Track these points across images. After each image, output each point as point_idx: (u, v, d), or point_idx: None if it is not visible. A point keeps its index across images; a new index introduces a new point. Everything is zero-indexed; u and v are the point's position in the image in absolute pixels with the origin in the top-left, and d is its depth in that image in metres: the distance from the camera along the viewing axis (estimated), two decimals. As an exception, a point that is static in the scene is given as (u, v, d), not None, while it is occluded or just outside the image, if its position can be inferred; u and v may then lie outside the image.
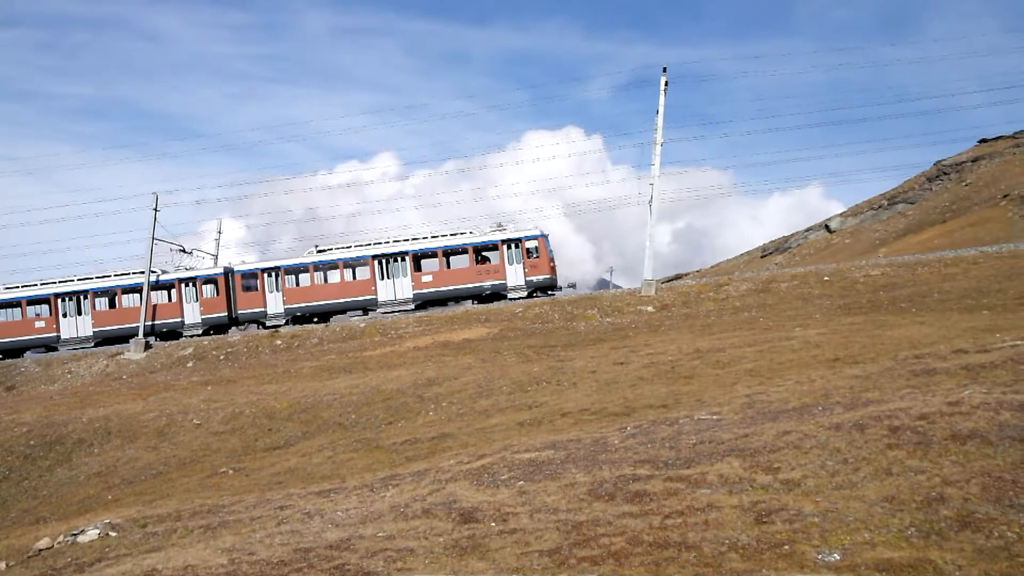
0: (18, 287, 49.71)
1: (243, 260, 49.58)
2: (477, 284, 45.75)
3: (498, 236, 46.12)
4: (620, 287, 46.33)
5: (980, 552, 6.41)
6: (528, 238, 45.75)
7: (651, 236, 43.23)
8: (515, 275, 45.41)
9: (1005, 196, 62.81)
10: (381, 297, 46.28)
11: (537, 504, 9.21)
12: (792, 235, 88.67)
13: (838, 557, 6.63)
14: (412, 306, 45.92)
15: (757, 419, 11.82)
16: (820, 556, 6.68)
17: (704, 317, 32.87)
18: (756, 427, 11.09)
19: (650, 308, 36.95)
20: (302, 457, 19.02)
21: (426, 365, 27.76)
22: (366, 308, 46.64)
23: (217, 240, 58.64)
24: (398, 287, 46.30)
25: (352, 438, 20.27)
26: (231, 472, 18.72)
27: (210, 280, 48.03)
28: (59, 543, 11.37)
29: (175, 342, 44.87)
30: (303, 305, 46.79)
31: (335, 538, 9.01)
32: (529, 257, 45.48)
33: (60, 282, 49.46)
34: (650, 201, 43.53)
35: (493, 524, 8.73)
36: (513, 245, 45.61)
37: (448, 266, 46.96)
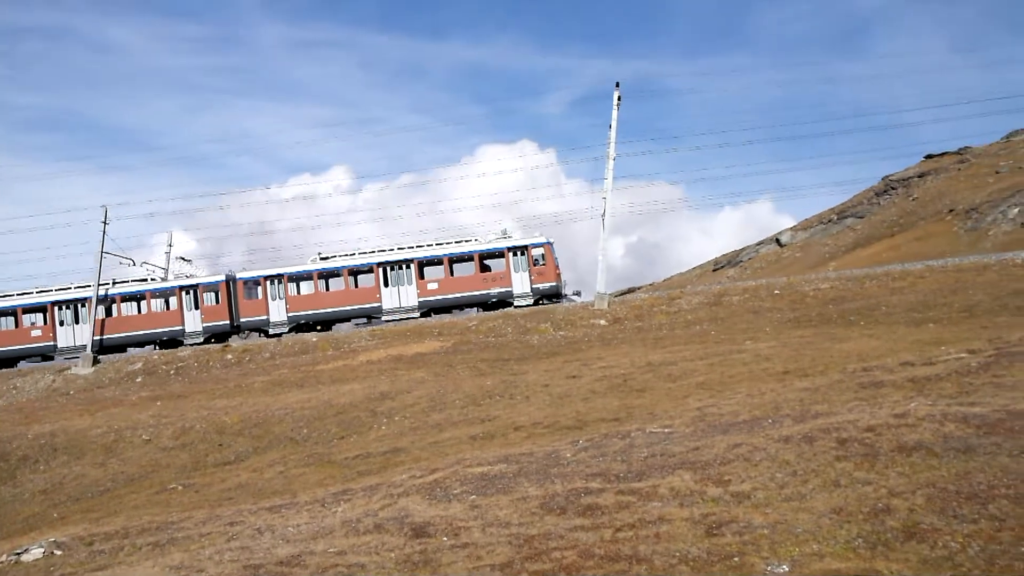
0: (13, 295, 48.87)
1: (244, 268, 49.30)
2: (483, 292, 45.69)
3: (504, 243, 46.08)
4: (575, 300, 46.56)
5: (925, 562, 6.50)
6: (534, 245, 45.66)
7: (604, 250, 43.47)
8: (521, 282, 45.36)
9: (950, 211, 64.00)
10: (386, 305, 46.06)
11: (489, 518, 9.19)
12: (744, 249, 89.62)
13: (787, 568, 6.68)
14: (417, 314, 45.74)
15: (708, 432, 11.91)
16: (769, 568, 6.73)
17: (656, 330, 33.07)
18: (707, 440, 11.17)
19: (603, 321, 37.11)
20: (253, 472, 18.83)
21: (379, 379, 27.63)
22: (370, 316, 46.45)
23: (168, 253, 57.87)
24: (403, 295, 46.08)
25: (304, 453, 20.11)
26: (180, 488, 18.47)
27: (211, 287, 47.62)
28: (2, 562, 11.14)
29: (124, 357, 44.24)
30: (307, 313, 46.45)
31: (285, 554, 8.92)
32: (535, 264, 45.43)
33: (57, 290, 48.70)
34: (603, 215, 43.81)
35: (445, 539, 8.69)
36: (519, 252, 45.59)
37: (453, 274, 46.89)
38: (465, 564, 7.75)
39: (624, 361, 24.24)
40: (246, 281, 47.25)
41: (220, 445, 22.94)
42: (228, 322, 47.17)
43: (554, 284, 45.66)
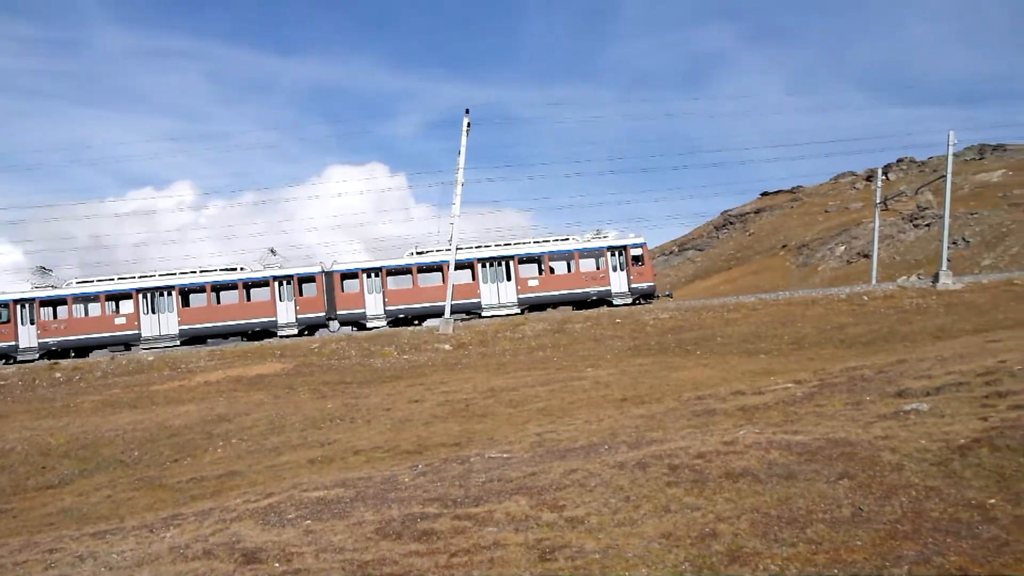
0: (93, 281, 46.38)
1: (335, 260, 47.84)
2: (583, 290, 45.65)
3: (603, 242, 46.06)
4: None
5: (746, 585, 6.73)
6: (633, 245, 45.88)
7: (452, 275, 43.64)
8: (619, 282, 45.44)
9: (783, 247, 67.06)
10: (485, 301, 45.66)
11: (323, 543, 9.04)
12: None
13: (616, 593, 6.81)
14: (517, 310, 45.26)
15: (546, 457, 12.03)
16: (599, 592, 6.84)
17: (500, 356, 33.34)
18: (544, 465, 11.29)
19: (447, 346, 37.15)
20: (78, 496, 17.98)
21: (216, 400, 26.88)
22: (469, 311, 45.68)
23: (-9, 266, 55.17)
24: (502, 291, 45.76)
25: (134, 476, 19.34)
26: (-4, 513, 17.47)
27: (307, 279, 46.36)
28: None
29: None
30: (404, 307, 45.69)
31: (106, 583, 8.54)
32: (634, 264, 45.50)
33: (141, 276, 46.65)
34: (450, 240, 44.04)
35: (277, 564, 8.49)
36: (617, 252, 45.59)
37: (552, 271, 46.54)
38: (296, 591, 7.59)
39: (467, 386, 24.32)
40: (343, 274, 46.40)
41: (43, 468, 21.80)
42: (324, 314, 46.12)
43: (651, 284, 46.17)
